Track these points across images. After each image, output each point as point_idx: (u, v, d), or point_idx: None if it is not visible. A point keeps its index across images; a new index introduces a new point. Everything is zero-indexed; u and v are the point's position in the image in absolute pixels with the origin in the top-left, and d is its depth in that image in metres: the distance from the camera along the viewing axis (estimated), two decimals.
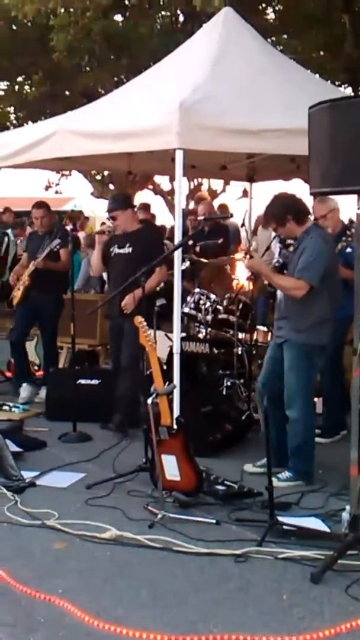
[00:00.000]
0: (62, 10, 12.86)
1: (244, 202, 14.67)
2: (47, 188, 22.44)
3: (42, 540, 4.36)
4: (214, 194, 20.99)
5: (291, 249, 5.42)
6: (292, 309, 5.26)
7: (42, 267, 7.26)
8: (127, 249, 6.50)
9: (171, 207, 20.51)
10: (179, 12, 14.89)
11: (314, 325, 5.21)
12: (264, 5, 13.31)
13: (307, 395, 5.32)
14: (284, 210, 5.29)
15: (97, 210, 22.23)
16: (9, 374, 8.20)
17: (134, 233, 6.55)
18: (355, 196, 4.10)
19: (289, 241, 5.52)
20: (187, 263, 7.57)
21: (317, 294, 5.14)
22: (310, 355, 5.26)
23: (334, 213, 6.25)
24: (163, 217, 19.68)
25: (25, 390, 7.45)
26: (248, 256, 5.18)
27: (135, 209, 6.93)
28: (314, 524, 4.55)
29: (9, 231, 11.50)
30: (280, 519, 4.41)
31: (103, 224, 6.82)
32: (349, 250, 5.89)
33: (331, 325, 5.32)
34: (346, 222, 6.55)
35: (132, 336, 6.26)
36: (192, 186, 20.47)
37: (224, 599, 3.70)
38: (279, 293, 5.40)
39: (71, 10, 12.84)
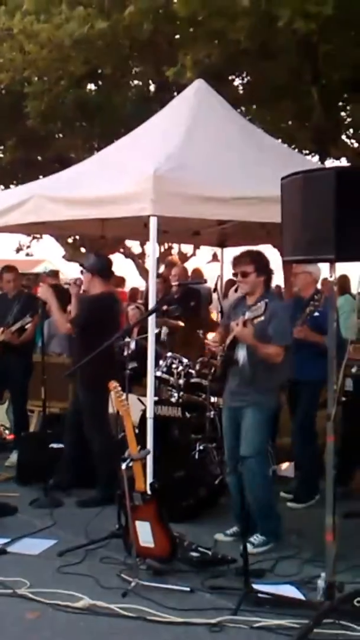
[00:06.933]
0: (37, 78, 13.10)
1: (214, 266, 14.86)
2: (18, 250, 22.55)
3: (14, 610, 4.28)
4: (184, 258, 21.20)
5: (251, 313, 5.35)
6: (257, 372, 5.24)
7: (11, 339, 7.30)
8: None
9: (141, 270, 20.68)
10: (150, 82, 15.25)
11: (276, 388, 5.36)
12: (232, 77, 13.66)
13: (266, 456, 5.45)
14: (266, 267, 5.36)
15: (68, 273, 22.33)
16: None
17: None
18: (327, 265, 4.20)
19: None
20: (165, 329, 7.66)
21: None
22: (272, 418, 5.40)
23: (306, 275, 6.37)
24: (133, 280, 19.84)
25: None
26: (241, 323, 5.12)
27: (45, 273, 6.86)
28: (289, 591, 4.52)
29: None
30: (255, 586, 4.38)
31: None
32: (316, 314, 6.00)
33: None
34: None
35: (85, 406, 6.37)
36: (162, 249, 20.67)
37: None
38: (241, 358, 5.32)
39: (45, 78, 13.08)
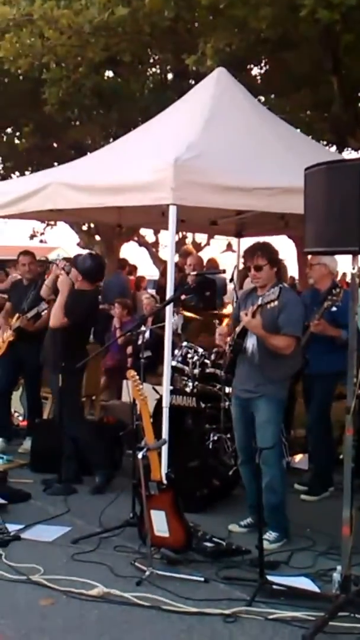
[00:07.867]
0: (55, 64, 13.04)
1: (228, 256, 14.79)
2: (32, 237, 22.55)
3: (28, 596, 4.28)
4: (198, 247, 21.17)
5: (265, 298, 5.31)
6: (267, 361, 5.21)
7: (26, 326, 7.28)
8: None
9: (155, 258, 20.68)
10: (168, 69, 15.17)
11: (286, 379, 5.35)
12: (250, 66, 13.56)
13: (280, 449, 5.40)
14: (277, 258, 5.36)
15: None
16: None
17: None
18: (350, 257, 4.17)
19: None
20: (181, 318, 7.64)
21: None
22: (283, 409, 5.39)
23: (321, 267, 6.32)
24: (147, 268, 19.86)
25: None
26: (250, 313, 5.10)
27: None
28: (304, 583, 4.51)
29: None
30: (270, 578, 4.37)
31: None
32: (334, 309, 5.96)
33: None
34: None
35: (62, 395, 6.38)
36: (176, 239, 20.61)
37: None
38: (250, 346, 5.30)
39: (63, 65, 13.02)
